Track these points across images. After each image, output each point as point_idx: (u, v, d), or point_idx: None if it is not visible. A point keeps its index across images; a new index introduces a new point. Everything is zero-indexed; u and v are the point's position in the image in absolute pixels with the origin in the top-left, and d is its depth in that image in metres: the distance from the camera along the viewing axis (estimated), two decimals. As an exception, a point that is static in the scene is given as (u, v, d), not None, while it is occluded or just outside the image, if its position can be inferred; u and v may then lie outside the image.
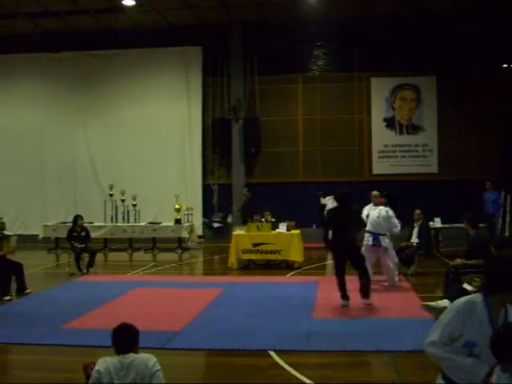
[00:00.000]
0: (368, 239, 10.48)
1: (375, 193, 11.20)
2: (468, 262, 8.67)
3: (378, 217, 10.54)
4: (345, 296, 9.14)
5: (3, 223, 10.73)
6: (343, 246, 9.14)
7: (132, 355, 3.95)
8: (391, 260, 10.63)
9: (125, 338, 4.04)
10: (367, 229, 10.36)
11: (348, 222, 9.21)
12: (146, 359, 3.95)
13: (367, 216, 10.71)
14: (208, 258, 15.94)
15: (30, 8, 17.09)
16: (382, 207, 10.80)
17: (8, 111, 19.92)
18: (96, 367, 3.91)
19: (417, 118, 18.84)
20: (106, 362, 3.92)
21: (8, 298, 10.08)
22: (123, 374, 3.86)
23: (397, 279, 10.73)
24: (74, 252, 12.97)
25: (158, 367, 3.94)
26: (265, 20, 18.37)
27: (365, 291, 9.14)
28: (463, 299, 3.28)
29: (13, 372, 6.37)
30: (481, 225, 14.84)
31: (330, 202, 15.80)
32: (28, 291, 10.44)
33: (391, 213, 10.67)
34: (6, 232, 10.80)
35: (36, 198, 19.38)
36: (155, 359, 3.98)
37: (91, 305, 9.34)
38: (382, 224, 10.49)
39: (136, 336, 4.10)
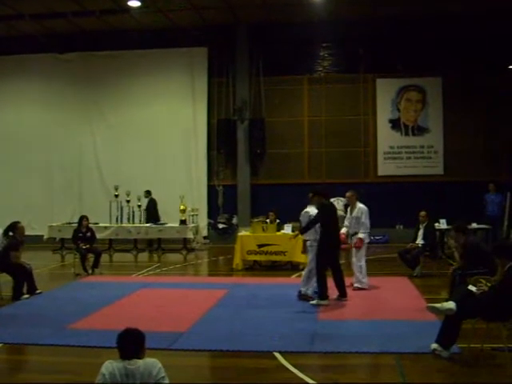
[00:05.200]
0: (367, 237, 10.73)
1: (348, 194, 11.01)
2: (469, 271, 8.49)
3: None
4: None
5: (23, 227, 10.74)
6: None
7: (137, 361, 3.92)
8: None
9: (130, 344, 4.00)
10: (365, 229, 10.56)
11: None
12: (151, 365, 3.93)
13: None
14: (213, 259, 15.94)
15: (36, 9, 17.16)
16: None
17: (14, 111, 19.98)
18: (102, 370, 3.90)
19: (422, 119, 18.80)
20: (111, 366, 3.91)
21: (26, 296, 10.15)
22: (127, 381, 3.85)
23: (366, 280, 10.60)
24: (80, 253, 13.00)
25: (162, 374, 3.92)
26: (270, 21, 18.37)
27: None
28: None
29: (18, 375, 6.35)
30: (485, 226, 14.84)
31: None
32: (38, 291, 10.44)
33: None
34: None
35: (41, 198, 19.41)
36: (160, 365, 3.96)
37: (96, 305, 9.35)
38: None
39: (142, 341, 4.06)
